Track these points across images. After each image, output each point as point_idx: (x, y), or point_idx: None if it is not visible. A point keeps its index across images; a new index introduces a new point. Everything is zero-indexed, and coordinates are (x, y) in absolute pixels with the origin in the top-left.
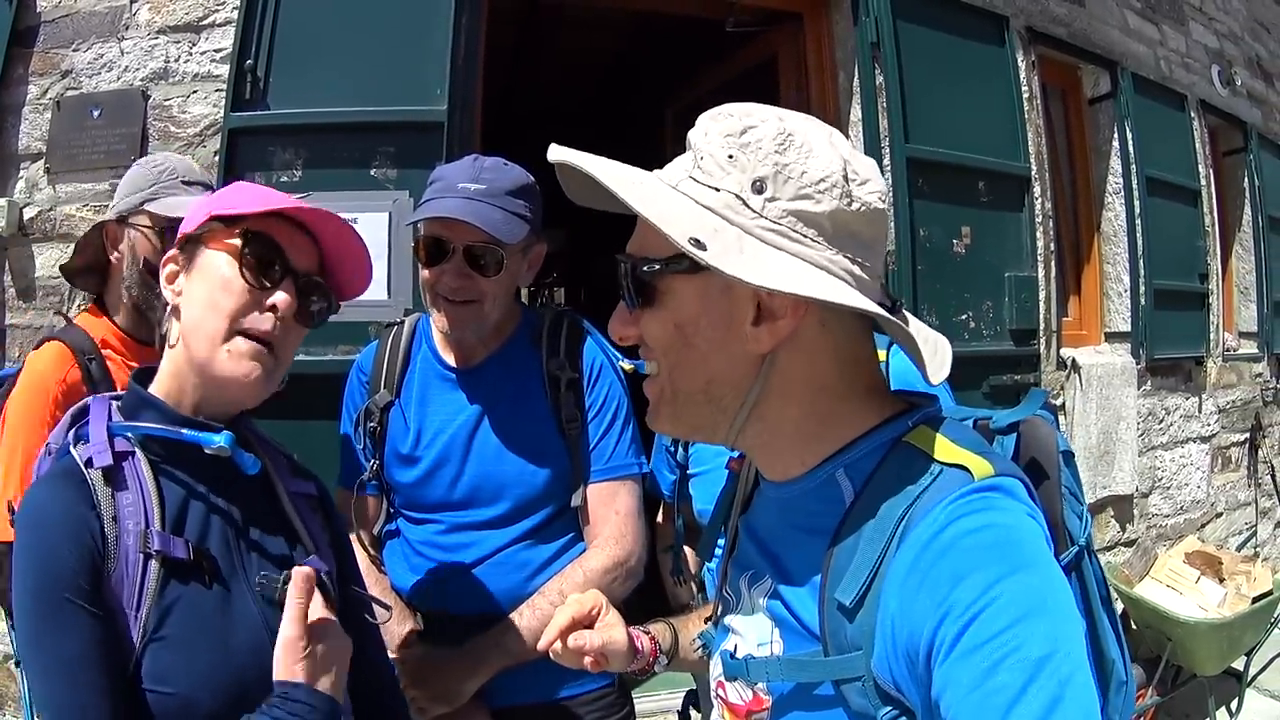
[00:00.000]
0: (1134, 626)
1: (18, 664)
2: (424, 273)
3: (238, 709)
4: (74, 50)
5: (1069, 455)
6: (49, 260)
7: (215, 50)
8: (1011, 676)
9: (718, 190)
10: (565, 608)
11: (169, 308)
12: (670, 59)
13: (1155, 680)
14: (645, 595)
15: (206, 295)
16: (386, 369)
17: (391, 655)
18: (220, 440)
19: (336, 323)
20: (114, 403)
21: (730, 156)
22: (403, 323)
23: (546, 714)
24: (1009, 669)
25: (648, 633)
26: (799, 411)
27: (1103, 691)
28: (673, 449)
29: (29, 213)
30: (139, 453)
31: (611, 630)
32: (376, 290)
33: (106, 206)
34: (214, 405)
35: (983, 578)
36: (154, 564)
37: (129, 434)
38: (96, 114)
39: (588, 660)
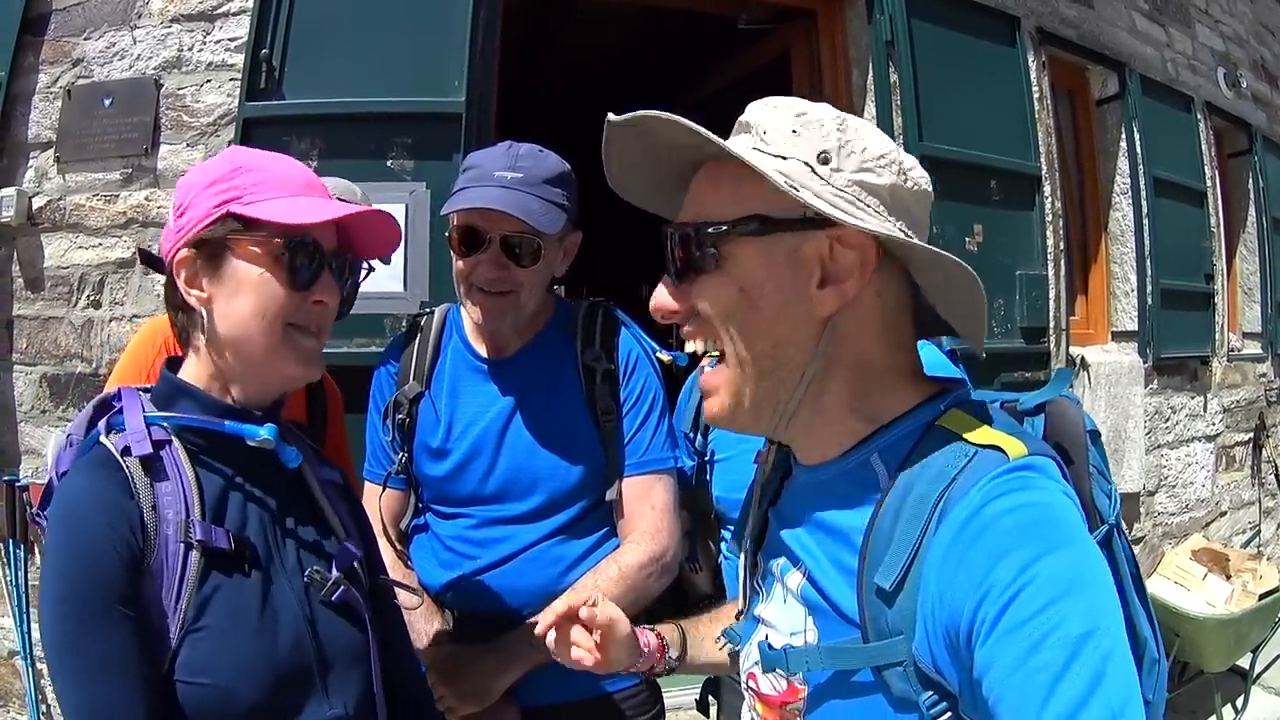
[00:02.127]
0: (1155, 621)
1: (34, 660)
2: (458, 263)
3: (277, 700)
4: (85, 39)
5: (1095, 435)
6: (58, 250)
7: (230, 39)
8: (1054, 654)
9: (785, 159)
10: (560, 600)
11: (188, 309)
12: (681, 55)
13: None
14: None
15: (253, 304)
16: (416, 360)
17: (420, 653)
18: (264, 433)
19: (352, 315)
20: (143, 394)
21: (794, 130)
22: (433, 313)
23: (577, 712)
24: (1051, 647)
25: (654, 631)
26: (849, 385)
27: (1137, 668)
28: (692, 435)
29: (38, 202)
30: (176, 442)
31: (612, 623)
32: (393, 282)
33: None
34: (261, 395)
35: (1021, 556)
36: (195, 554)
37: (165, 424)
38: (108, 103)
39: (587, 659)
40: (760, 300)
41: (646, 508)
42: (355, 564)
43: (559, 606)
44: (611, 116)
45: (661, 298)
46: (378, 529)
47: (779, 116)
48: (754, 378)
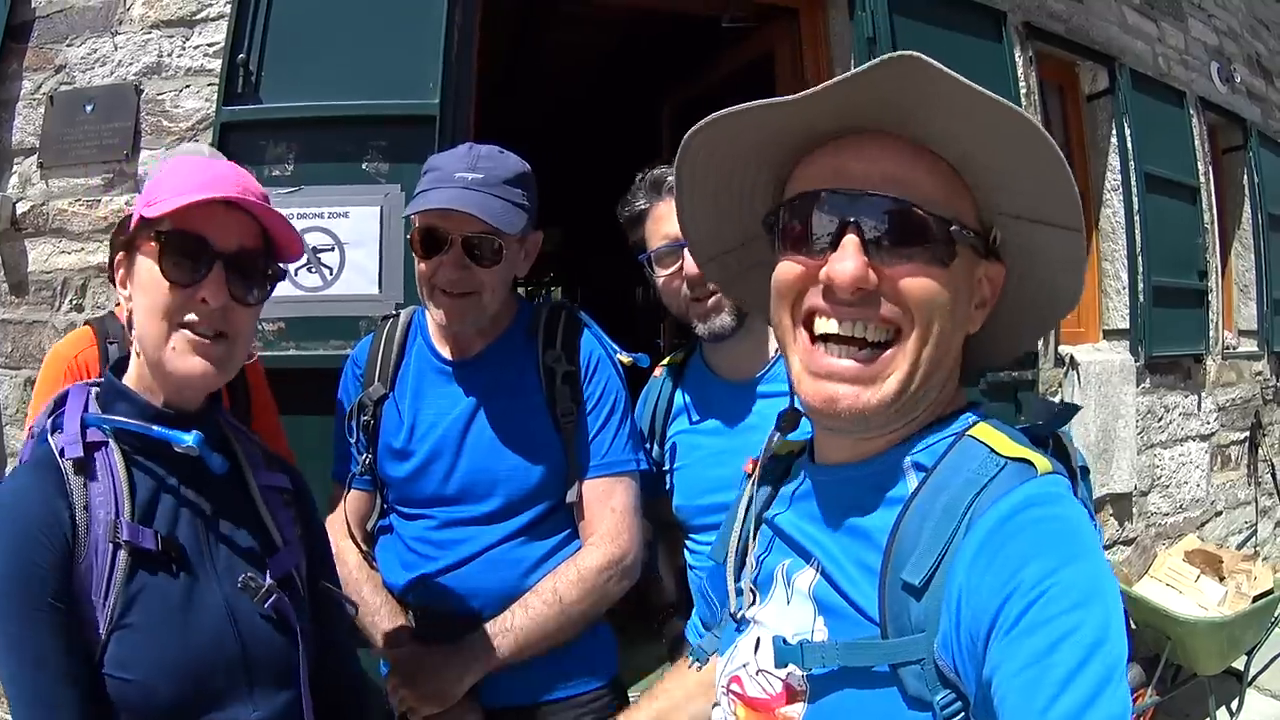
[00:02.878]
0: (1133, 625)
1: None
2: (420, 265)
3: (198, 699)
4: (68, 45)
5: (1085, 471)
6: (42, 255)
7: (208, 44)
8: (1068, 655)
9: None
10: None
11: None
12: (667, 56)
13: (1155, 680)
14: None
15: (144, 301)
16: (381, 362)
17: (382, 653)
18: (189, 440)
19: (326, 317)
20: (93, 390)
21: None
22: (398, 315)
23: (539, 715)
24: (1067, 649)
25: None
26: (940, 403)
27: None
28: (648, 444)
29: (21, 207)
30: (112, 443)
31: None
32: (367, 284)
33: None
34: (177, 398)
35: (1049, 561)
36: (122, 554)
37: (104, 426)
38: (89, 109)
39: None
40: (957, 308)
41: (607, 510)
42: (293, 570)
43: None
44: (719, 113)
45: (860, 268)
46: (343, 529)
47: None
48: (922, 377)
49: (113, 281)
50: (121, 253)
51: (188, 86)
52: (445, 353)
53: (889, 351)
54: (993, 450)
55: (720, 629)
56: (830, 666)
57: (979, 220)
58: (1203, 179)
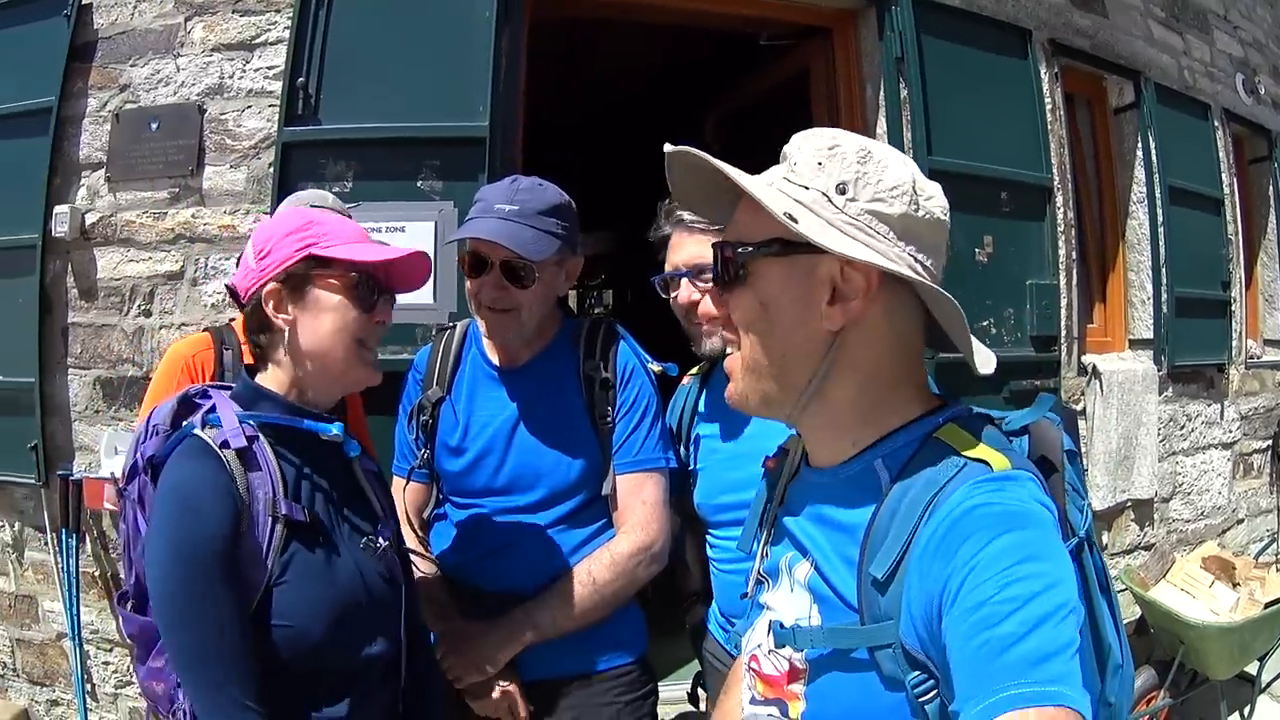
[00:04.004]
0: (1150, 629)
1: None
2: (468, 283)
3: (339, 637)
4: (131, 65)
5: (1072, 454)
6: (110, 263)
7: (268, 68)
8: (1002, 605)
9: (807, 188)
10: None
11: (270, 330)
12: (708, 71)
13: (1168, 683)
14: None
15: (332, 324)
16: (439, 368)
17: (433, 627)
18: (335, 429)
19: None
20: (225, 392)
21: (819, 163)
22: (454, 327)
23: (573, 687)
24: (999, 602)
25: None
26: (856, 393)
27: (1100, 673)
28: (678, 445)
29: (90, 218)
30: (262, 437)
31: None
32: (423, 295)
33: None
34: (329, 398)
35: (983, 537)
36: (279, 526)
37: (252, 421)
38: (154, 126)
39: None
40: (777, 313)
41: (638, 502)
42: (391, 537)
43: None
44: (667, 147)
45: (706, 303)
46: (402, 517)
47: (810, 148)
48: (762, 379)
49: (251, 305)
50: (277, 284)
51: (249, 107)
52: (496, 360)
53: (734, 354)
54: (955, 451)
55: (749, 609)
56: (819, 649)
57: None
58: (1227, 190)
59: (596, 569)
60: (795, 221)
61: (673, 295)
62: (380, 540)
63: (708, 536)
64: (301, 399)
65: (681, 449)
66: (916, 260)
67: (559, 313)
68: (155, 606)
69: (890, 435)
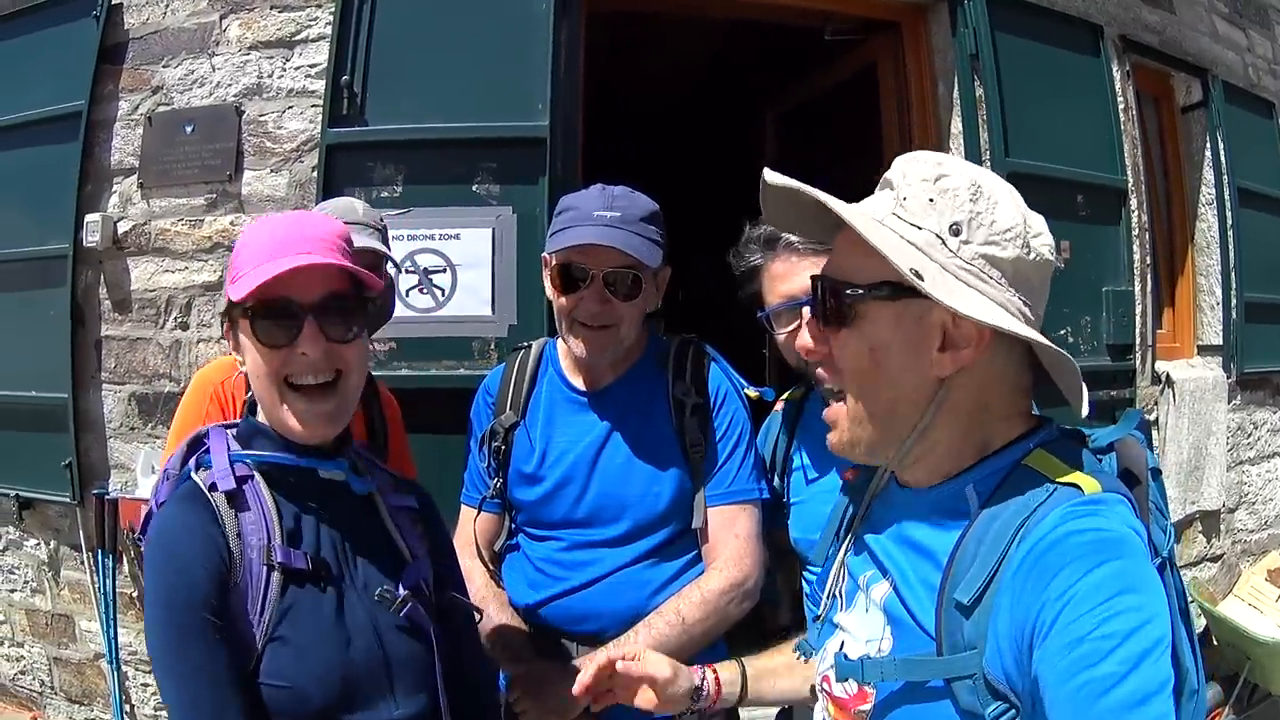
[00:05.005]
0: (1215, 643)
1: (116, 664)
2: (560, 300)
3: (346, 702)
4: (164, 66)
5: (1156, 472)
6: (144, 274)
7: (310, 65)
8: (1099, 643)
9: (919, 228)
10: (602, 651)
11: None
12: (767, 66)
13: (1233, 698)
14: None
15: (252, 369)
16: (513, 391)
17: (506, 668)
18: (333, 468)
19: (439, 338)
20: (229, 431)
21: (930, 199)
22: (529, 347)
23: None
24: (1097, 638)
25: (712, 670)
26: (960, 434)
27: (1175, 698)
28: (780, 474)
29: (123, 227)
30: (257, 476)
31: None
32: (480, 305)
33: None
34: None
35: (1078, 568)
36: (275, 574)
37: (248, 460)
38: (189, 130)
39: (641, 703)
40: (886, 361)
41: (731, 536)
42: (421, 582)
43: (600, 658)
44: (768, 175)
45: (806, 338)
46: (471, 550)
47: (918, 179)
48: (870, 427)
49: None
50: (227, 324)
51: (290, 108)
52: (578, 383)
53: (840, 403)
54: (1044, 476)
55: (819, 626)
56: (889, 681)
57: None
58: None
59: (686, 607)
60: (921, 279)
61: (783, 330)
62: (400, 589)
63: (805, 573)
64: None
65: (776, 479)
66: (1025, 305)
67: (646, 332)
68: (150, 657)
69: (983, 461)
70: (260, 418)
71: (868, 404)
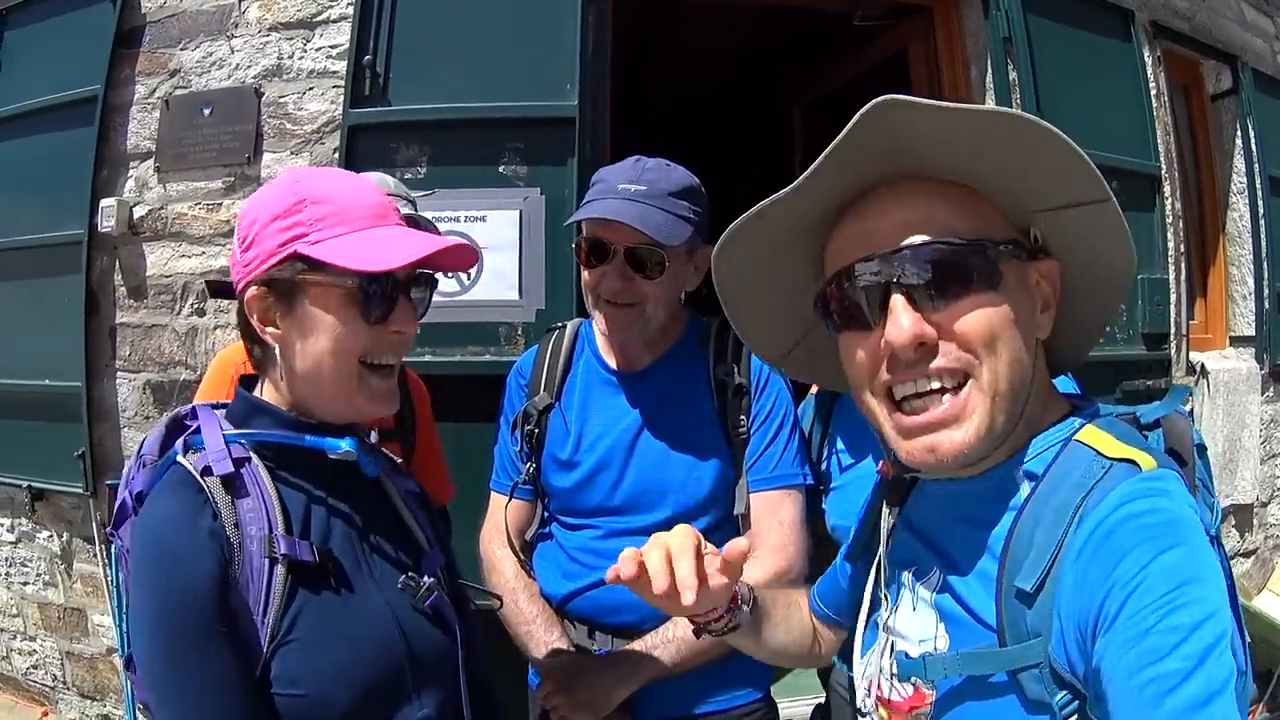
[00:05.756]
0: (1248, 639)
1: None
2: (585, 275)
3: (371, 704)
4: (181, 49)
5: (1202, 448)
6: (160, 259)
7: (331, 46)
8: (1164, 638)
9: None
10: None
11: (264, 342)
12: (795, 52)
13: (1268, 695)
14: None
15: (328, 344)
16: (547, 372)
17: (538, 662)
18: (346, 445)
19: (464, 323)
20: (218, 412)
21: None
22: (564, 327)
23: None
24: (1161, 631)
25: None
26: (1033, 410)
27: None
28: (816, 459)
29: (139, 212)
30: (255, 459)
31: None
32: (506, 289)
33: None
34: (337, 422)
35: (1143, 554)
36: (280, 568)
37: (243, 441)
38: (207, 112)
39: (686, 595)
40: (1022, 323)
41: (775, 523)
42: (439, 570)
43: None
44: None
45: (915, 324)
46: (502, 538)
47: None
48: (1005, 404)
49: (243, 318)
50: (261, 288)
51: (311, 89)
52: (613, 364)
53: (966, 389)
54: (1098, 453)
55: (862, 633)
56: (952, 678)
57: (1013, 226)
58: None
59: None
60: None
61: None
62: (425, 577)
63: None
64: (307, 414)
65: (823, 463)
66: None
67: (685, 311)
68: (141, 674)
69: (1031, 441)
70: (267, 395)
71: (1008, 376)
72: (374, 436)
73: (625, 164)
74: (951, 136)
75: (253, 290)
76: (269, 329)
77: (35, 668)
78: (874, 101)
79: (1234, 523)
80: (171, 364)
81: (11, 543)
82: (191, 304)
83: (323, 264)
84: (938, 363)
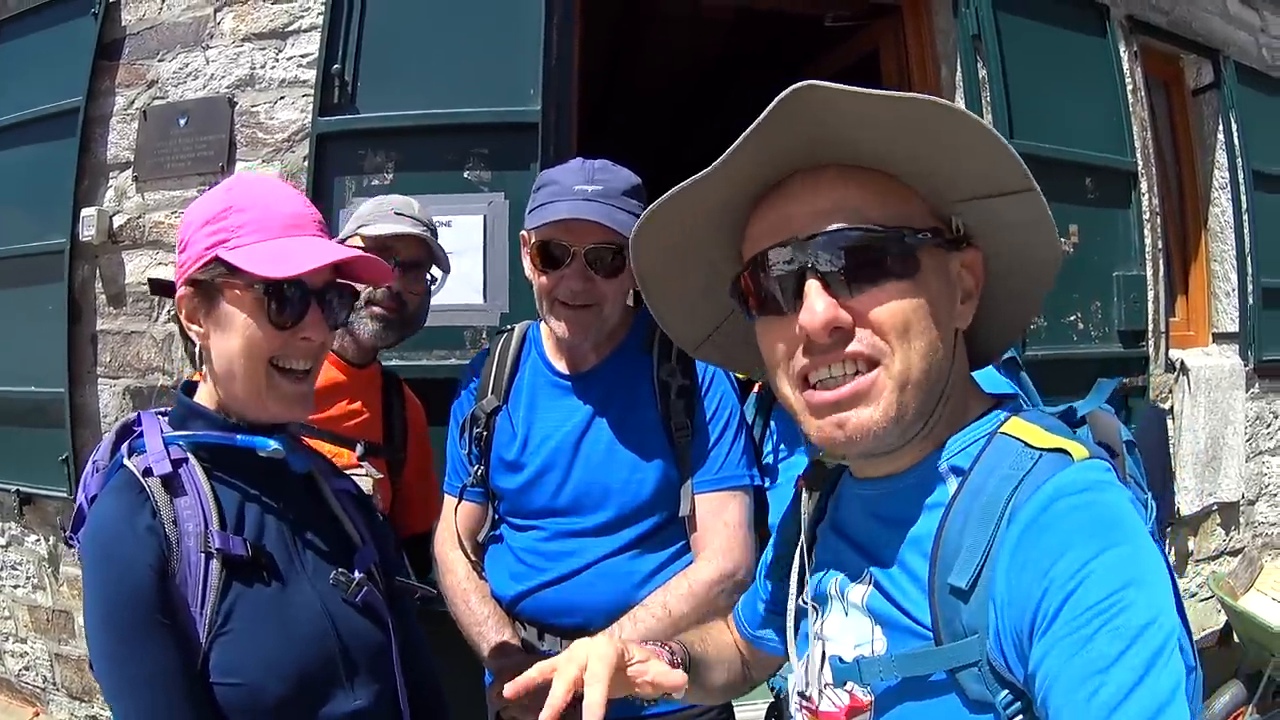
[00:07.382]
0: (1236, 639)
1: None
2: (540, 279)
3: (303, 694)
4: (159, 60)
5: (1131, 444)
6: (139, 267)
7: (301, 56)
8: (1108, 645)
9: None
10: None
11: (194, 341)
12: (770, 56)
13: (1256, 697)
14: None
15: (239, 345)
16: (495, 375)
17: (488, 662)
18: (274, 444)
19: (430, 327)
20: (161, 417)
21: None
22: (512, 330)
23: None
24: (1105, 638)
25: (670, 648)
26: (955, 402)
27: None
28: (771, 458)
29: (118, 221)
30: (192, 459)
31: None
32: (471, 293)
33: None
34: (259, 423)
35: (1083, 552)
36: (215, 563)
37: (181, 442)
38: (183, 122)
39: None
40: (936, 313)
41: (720, 524)
42: (372, 566)
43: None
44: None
45: (829, 309)
46: (453, 540)
47: None
48: (917, 392)
49: (177, 320)
50: (189, 288)
51: (282, 98)
52: (560, 366)
53: (875, 371)
54: (1026, 444)
55: (792, 640)
56: (889, 679)
57: (935, 216)
58: None
59: (673, 600)
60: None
61: None
62: (355, 572)
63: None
64: (235, 416)
65: (773, 459)
66: None
67: (629, 313)
68: (94, 668)
69: (954, 436)
70: (201, 399)
71: (921, 364)
72: (360, 450)
73: (573, 165)
74: (870, 123)
75: (182, 290)
76: (194, 327)
77: (27, 669)
78: (791, 87)
79: (1219, 521)
80: (150, 370)
81: (2, 546)
82: (168, 311)
83: (237, 268)
84: (852, 347)
